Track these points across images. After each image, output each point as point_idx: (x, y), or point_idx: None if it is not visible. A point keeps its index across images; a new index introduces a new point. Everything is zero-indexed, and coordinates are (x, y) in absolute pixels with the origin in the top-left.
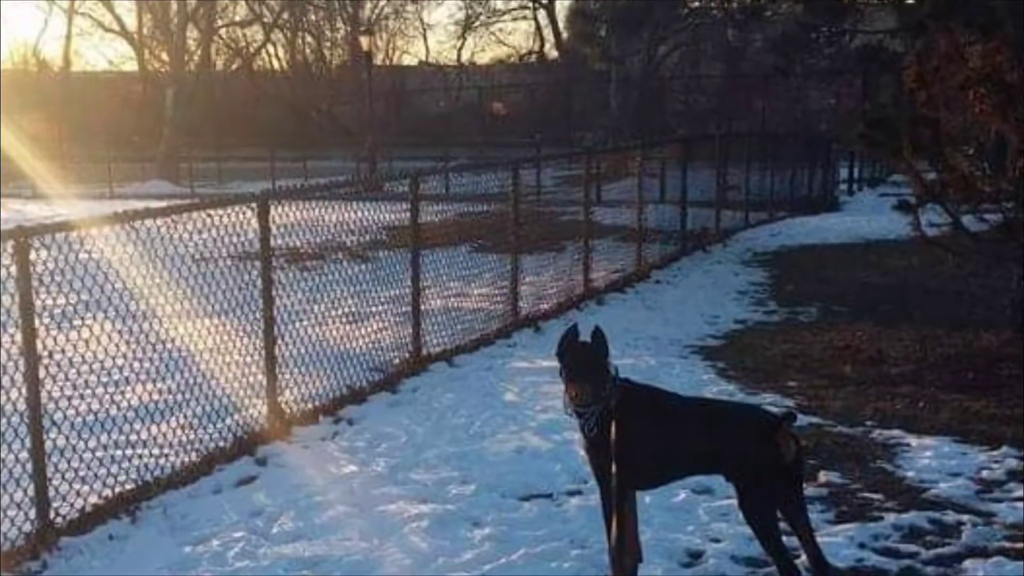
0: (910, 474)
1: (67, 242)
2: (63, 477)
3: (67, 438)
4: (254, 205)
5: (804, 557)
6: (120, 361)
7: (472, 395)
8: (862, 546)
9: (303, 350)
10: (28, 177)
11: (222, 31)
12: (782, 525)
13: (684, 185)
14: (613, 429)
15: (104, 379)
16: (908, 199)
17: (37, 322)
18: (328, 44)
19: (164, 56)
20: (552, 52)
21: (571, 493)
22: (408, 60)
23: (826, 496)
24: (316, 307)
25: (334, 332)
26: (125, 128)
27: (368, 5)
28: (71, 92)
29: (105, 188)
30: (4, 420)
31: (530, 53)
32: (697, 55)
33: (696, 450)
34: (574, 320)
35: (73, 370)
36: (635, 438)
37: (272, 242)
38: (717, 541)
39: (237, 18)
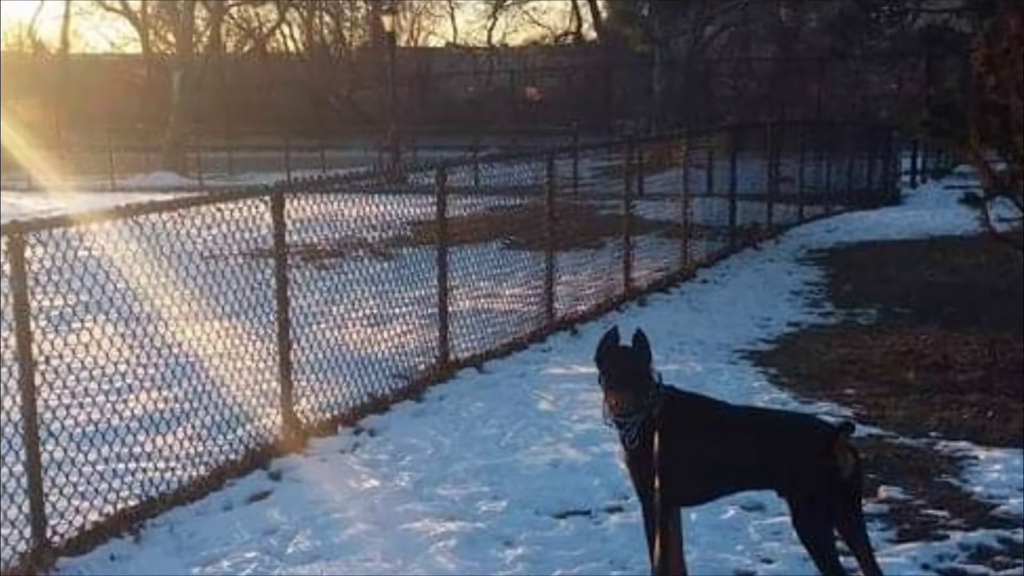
0: (978, 489)
1: (65, 239)
2: (61, 493)
3: (65, 450)
4: (268, 198)
5: None
6: (122, 367)
7: (504, 404)
8: (926, 567)
9: (321, 355)
10: (23, 168)
11: (233, 10)
12: (839, 544)
13: (733, 177)
14: (656, 440)
15: (105, 386)
16: (976, 192)
17: (33, 325)
18: (348, 24)
19: (170, 37)
20: (590, 33)
21: (611, 510)
22: (434, 41)
23: (887, 513)
24: (335, 309)
25: (354, 336)
26: (128, 115)
27: None
28: (70, 76)
29: (106, 180)
30: None
31: (566, 34)
32: (747, 36)
33: (746, 463)
34: (614, 322)
35: (72, 377)
36: (680, 450)
37: (287, 238)
38: (769, 562)
39: None
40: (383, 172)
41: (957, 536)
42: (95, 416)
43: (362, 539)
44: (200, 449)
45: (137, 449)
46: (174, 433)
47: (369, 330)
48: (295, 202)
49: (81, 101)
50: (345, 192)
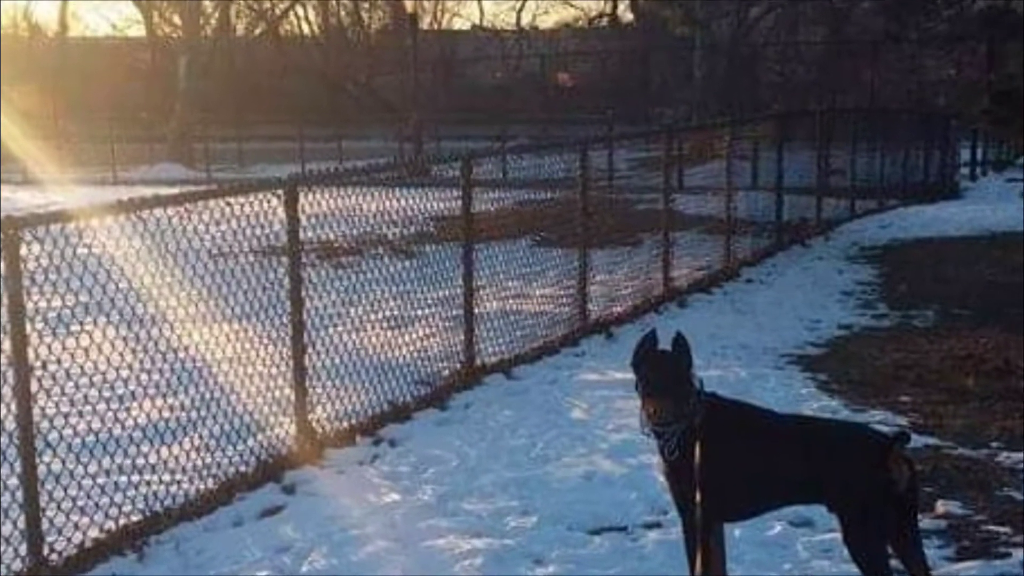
0: None
1: (63, 235)
2: (59, 507)
3: (63, 462)
4: (280, 192)
5: None
6: (125, 373)
7: (534, 412)
8: None
9: (337, 360)
10: (19, 160)
11: None
12: (893, 563)
13: (780, 169)
14: (698, 451)
15: (106, 394)
16: None
17: (29, 327)
18: (366, 5)
19: (176, 19)
20: (627, 15)
21: (648, 526)
22: (459, 24)
23: (945, 529)
24: (352, 310)
25: (373, 339)
26: (131, 103)
27: None
28: (68, 61)
29: (107, 172)
30: None
31: (601, 16)
32: (795, 18)
33: (793, 476)
34: (652, 325)
35: (70, 383)
36: (723, 462)
37: (302, 235)
38: None
39: None
40: (404, 164)
41: (1020, 554)
42: (95, 425)
43: (382, 557)
44: (208, 460)
45: (140, 461)
46: (180, 443)
47: (389, 333)
48: (310, 196)
49: (80, 88)
50: (364, 185)
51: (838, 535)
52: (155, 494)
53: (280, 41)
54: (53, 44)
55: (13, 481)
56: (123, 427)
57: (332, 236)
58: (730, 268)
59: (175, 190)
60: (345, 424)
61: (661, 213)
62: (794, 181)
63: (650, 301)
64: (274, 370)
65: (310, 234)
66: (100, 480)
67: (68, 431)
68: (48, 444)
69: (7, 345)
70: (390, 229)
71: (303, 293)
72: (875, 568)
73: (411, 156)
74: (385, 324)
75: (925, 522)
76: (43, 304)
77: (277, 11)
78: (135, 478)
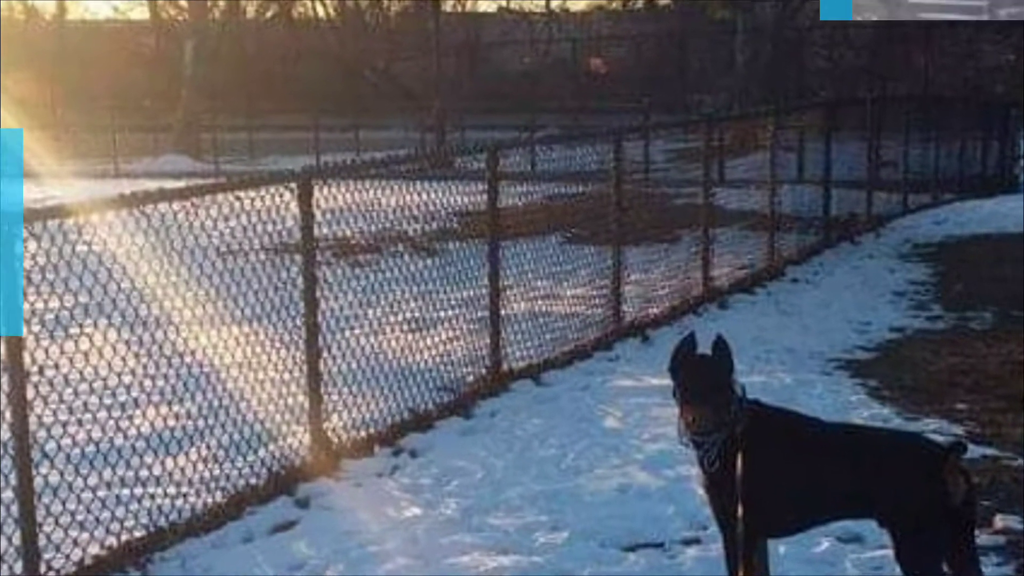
0: None
1: (62, 231)
2: (57, 522)
3: (62, 474)
4: (294, 186)
5: None
6: (127, 378)
7: (564, 420)
8: None
9: (355, 365)
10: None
11: None
12: None
13: (828, 161)
14: (739, 462)
15: (107, 401)
16: None
17: (25, 330)
18: None
19: (182, 1)
20: None
21: (687, 542)
22: (485, 6)
23: (1004, 545)
24: (371, 312)
25: (393, 343)
26: (134, 90)
27: None
28: (67, 46)
29: (109, 164)
30: None
31: None
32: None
33: (842, 489)
34: (691, 328)
35: (69, 390)
36: (766, 473)
37: (317, 231)
38: None
39: None
40: (426, 155)
41: None
42: (96, 435)
43: (402, 575)
44: (216, 472)
45: (144, 472)
46: (186, 454)
47: (410, 336)
48: (325, 190)
49: (80, 74)
50: (383, 178)
51: (890, 552)
52: (159, 508)
53: (293, 24)
54: (51, 28)
55: (8, 494)
56: (125, 436)
57: (349, 232)
58: (774, 267)
59: (181, 183)
60: (363, 433)
61: (700, 208)
62: (843, 174)
63: (688, 302)
64: (287, 376)
65: (325, 230)
66: (101, 493)
67: (67, 441)
68: (45, 455)
69: (2, 349)
70: (411, 225)
71: (318, 293)
72: None
73: (433, 147)
74: (405, 327)
75: (983, 538)
76: (40, 305)
77: None
78: (138, 491)
